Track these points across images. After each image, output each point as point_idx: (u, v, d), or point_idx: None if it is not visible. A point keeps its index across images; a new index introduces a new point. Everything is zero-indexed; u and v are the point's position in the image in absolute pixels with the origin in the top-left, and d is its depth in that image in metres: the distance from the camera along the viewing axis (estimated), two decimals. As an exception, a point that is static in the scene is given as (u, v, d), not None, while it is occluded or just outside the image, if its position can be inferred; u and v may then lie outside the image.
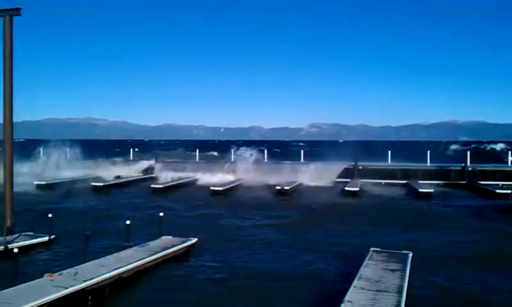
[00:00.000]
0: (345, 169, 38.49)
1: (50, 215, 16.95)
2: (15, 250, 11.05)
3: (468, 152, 38.48)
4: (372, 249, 14.66)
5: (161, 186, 33.51)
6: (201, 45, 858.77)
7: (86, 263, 12.51)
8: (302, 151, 43.73)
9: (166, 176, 38.23)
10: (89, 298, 10.98)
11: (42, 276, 11.08)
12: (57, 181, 35.79)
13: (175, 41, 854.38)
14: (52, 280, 10.84)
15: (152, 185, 33.51)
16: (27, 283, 10.63)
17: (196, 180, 38.12)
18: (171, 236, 16.31)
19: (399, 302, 9.98)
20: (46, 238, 16.91)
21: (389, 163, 40.81)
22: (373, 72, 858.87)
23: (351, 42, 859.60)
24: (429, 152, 39.62)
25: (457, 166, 37.47)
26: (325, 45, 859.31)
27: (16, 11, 17.87)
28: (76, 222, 20.28)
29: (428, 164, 39.48)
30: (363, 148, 59.86)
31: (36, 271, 12.21)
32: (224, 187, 32.17)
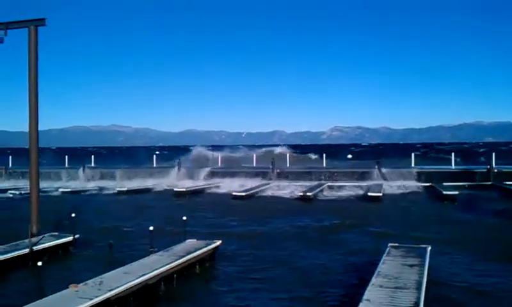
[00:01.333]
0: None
1: (73, 215, 17.21)
2: (39, 263, 11.01)
3: (493, 153, 37.77)
4: (390, 244, 14.44)
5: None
6: (223, 51, 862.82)
7: (111, 271, 12.42)
8: None
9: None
10: (115, 308, 10.88)
11: (67, 287, 11.07)
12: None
13: (196, 48, 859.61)
14: (77, 291, 10.76)
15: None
16: (52, 296, 10.53)
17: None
18: (195, 240, 16.20)
19: (418, 298, 9.69)
20: (70, 238, 17.16)
21: (413, 166, 40.38)
22: (396, 74, 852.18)
23: (373, 44, 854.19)
24: (453, 154, 39.13)
25: (483, 168, 36.82)
26: (348, 47, 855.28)
27: (40, 22, 18.09)
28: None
29: (453, 166, 38.98)
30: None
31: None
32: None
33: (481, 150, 79.46)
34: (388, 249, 14.09)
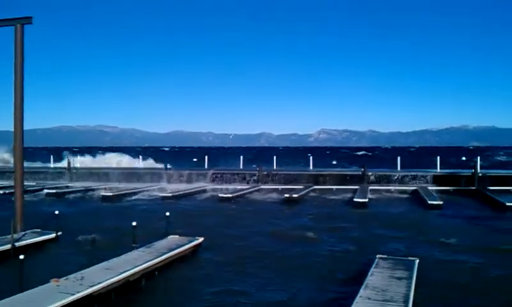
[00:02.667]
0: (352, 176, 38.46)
1: (56, 212, 17.45)
2: (21, 257, 11.06)
3: (478, 157, 38.17)
4: (378, 255, 14.60)
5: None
6: (209, 53, 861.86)
7: (93, 267, 12.51)
8: None
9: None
10: (95, 305, 10.88)
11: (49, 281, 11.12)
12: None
13: (183, 50, 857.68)
14: (58, 285, 10.82)
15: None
16: (33, 289, 10.58)
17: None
18: (177, 236, 16.30)
19: None
20: (53, 235, 17.23)
21: (398, 169, 40.69)
22: (383, 77, 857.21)
23: (360, 47, 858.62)
24: (438, 158, 39.55)
25: (467, 172, 37.24)
26: (334, 50, 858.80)
27: (27, 20, 18.07)
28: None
29: (438, 170, 39.41)
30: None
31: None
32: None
33: (463, 158, 79.87)
34: (376, 260, 14.15)
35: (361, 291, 11.14)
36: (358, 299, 10.63)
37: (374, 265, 13.59)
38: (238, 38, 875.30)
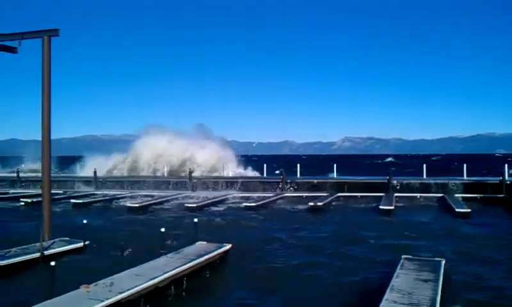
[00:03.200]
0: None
1: (85, 221, 17.49)
2: (52, 263, 11.22)
3: (506, 165, 37.47)
4: (403, 256, 14.35)
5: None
6: (234, 59, 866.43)
7: (122, 272, 12.55)
8: None
9: None
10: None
11: (79, 287, 11.25)
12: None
13: (206, 59, 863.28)
14: (88, 291, 10.89)
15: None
16: (63, 295, 10.64)
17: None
18: (205, 242, 16.29)
19: None
20: (81, 244, 17.36)
21: (424, 177, 40.20)
22: (408, 84, 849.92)
23: (384, 54, 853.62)
24: (465, 165, 38.98)
25: (495, 180, 36.56)
26: (358, 57, 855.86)
27: (54, 32, 18.47)
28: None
29: (465, 177, 38.82)
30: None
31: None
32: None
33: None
34: (401, 261, 13.86)
35: (387, 294, 10.90)
36: (384, 302, 10.40)
37: (399, 266, 13.31)
38: (260, 43, 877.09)
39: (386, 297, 10.77)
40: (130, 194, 37.84)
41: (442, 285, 11.71)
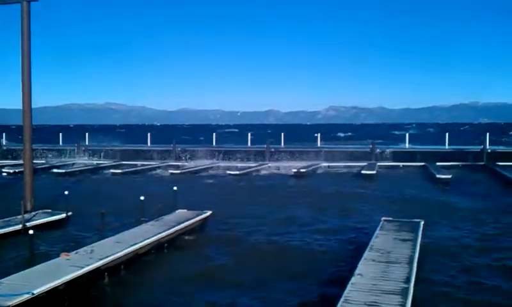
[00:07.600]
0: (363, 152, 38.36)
1: (66, 193, 17.43)
2: (30, 232, 11.25)
3: (488, 133, 37.94)
4: (383, 218, 14.62)
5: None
6: (217, 29, 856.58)
7: (103, 240, 12.70)
8: None
9: None
10: (106, 275, 11.06)
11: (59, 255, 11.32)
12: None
13: (191, 28, 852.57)
14: (68, 259, 10.98)
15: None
16: (44, 263, 10.73)
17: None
18: (185, 210, 16.46)
19: (410, 273, 9.85)
20: (63, 215, 17.19)
21: (406, 146, 40.65)
22: (392, 53, 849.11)
23: (369, 23, 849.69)
24: (447, 134, 39.49)
25: (476, 148, 37.08)
26: (343, 25, 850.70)
27: (32, -4, 18.02)
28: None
29: (446, 146, 39.34)
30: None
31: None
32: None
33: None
34: (381, 222, 14.18)
35: (366, 253, 11.18)
36: (362, 260, 10.65)
37: (379, 227, 13.64)
38: (246, 14, 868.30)
39: (365, 256, 11.02)
40: (114, 163, 37.72)
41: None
